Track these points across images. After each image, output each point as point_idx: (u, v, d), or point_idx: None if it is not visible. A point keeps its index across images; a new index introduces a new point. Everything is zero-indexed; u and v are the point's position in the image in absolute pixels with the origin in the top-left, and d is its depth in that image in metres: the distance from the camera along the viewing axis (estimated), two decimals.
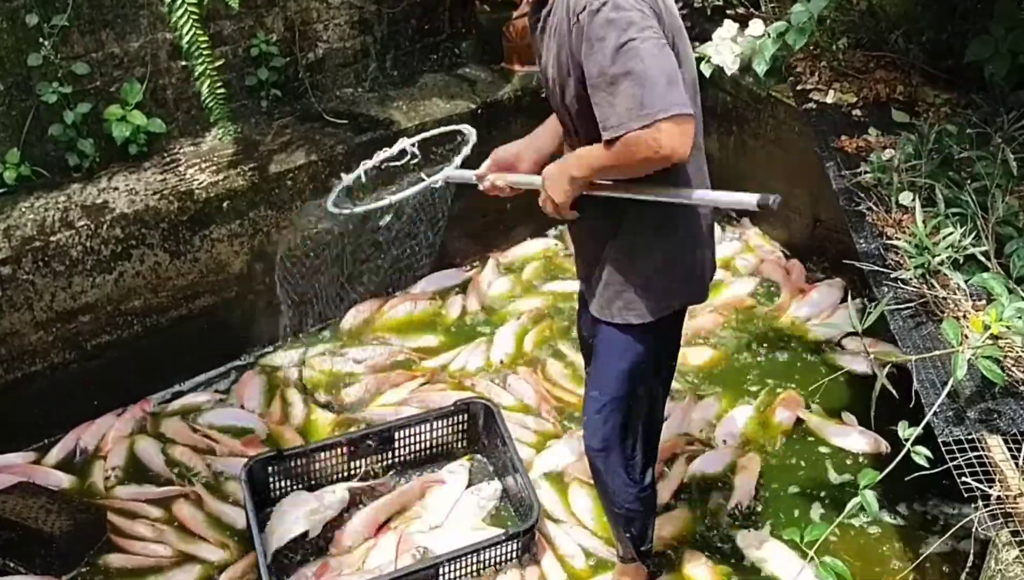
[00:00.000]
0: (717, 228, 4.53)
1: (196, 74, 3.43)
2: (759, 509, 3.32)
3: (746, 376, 3.85)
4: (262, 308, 3.93)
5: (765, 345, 3.99)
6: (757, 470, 3.43)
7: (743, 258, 4.42)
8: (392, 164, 3.04)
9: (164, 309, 3.68)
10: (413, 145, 2.99)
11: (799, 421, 3.61)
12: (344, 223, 3.23)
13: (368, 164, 3.03)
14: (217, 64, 3.45)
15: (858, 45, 3.87)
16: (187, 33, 3.34)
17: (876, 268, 2.87)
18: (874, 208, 3.06)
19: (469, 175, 2.76)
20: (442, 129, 3.02)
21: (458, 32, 4.49)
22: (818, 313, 4.07)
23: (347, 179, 3.06)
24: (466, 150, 2.84)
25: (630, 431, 2.69)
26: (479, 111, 4.19)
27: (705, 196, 2.34)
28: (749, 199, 2.28)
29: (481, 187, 2.72)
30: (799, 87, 3.82)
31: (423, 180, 2.81)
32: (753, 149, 4.44)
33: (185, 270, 3.66)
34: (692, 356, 3.93)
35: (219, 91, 3.48)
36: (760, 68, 2.95)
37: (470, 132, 2.89)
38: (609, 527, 3.01)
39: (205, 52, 3.39)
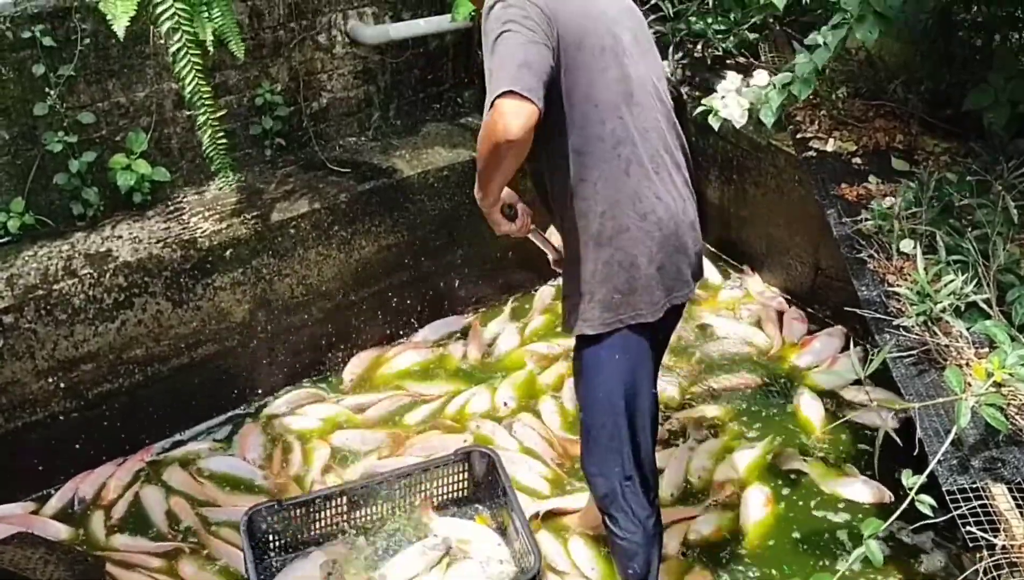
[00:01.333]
0: (717, 274, 4.55)
1: (198, 124, 3.44)
2: (760, 558, 3.29)
3: (748, 424, 3.83)
4: (263, 357, 3.93)
5: (767, 394, 3.97)
6: (760, 503, 3.45)
7: (745, 306, 4.42)
8: None
9: (166, 358, 3.67)
10: None
11: (800, 472, 3.59)
12: None
13: None
14: (219, 114, 3.47)
15: (857, 94, 3.91)
16: (190, 83, 3.35)
17: (878, 315, 2.87)
18: (875, 255, 3.08)
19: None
20: None
21: (460, 81, 4.53)
22: (819, 362, 4.06)
23: None
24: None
25: (618, 455, 2.72)
26: None
27: None
28: None
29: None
30: (799, 135, 3.85)
31: None
32: (754, 197, 4.46)
33: (187, 318, 3.66)
34: (693, 405, 3.92)
35: (220, 141, 3.49)
36: (768, 119, 2.98)
37: None
38: (614, 570, 2.98)
39: (207, 102, 3.41)
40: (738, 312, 4.38)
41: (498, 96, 2.22)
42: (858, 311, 2.88)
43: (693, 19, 4.55)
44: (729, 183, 4.56)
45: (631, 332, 2.59)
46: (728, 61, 4.50)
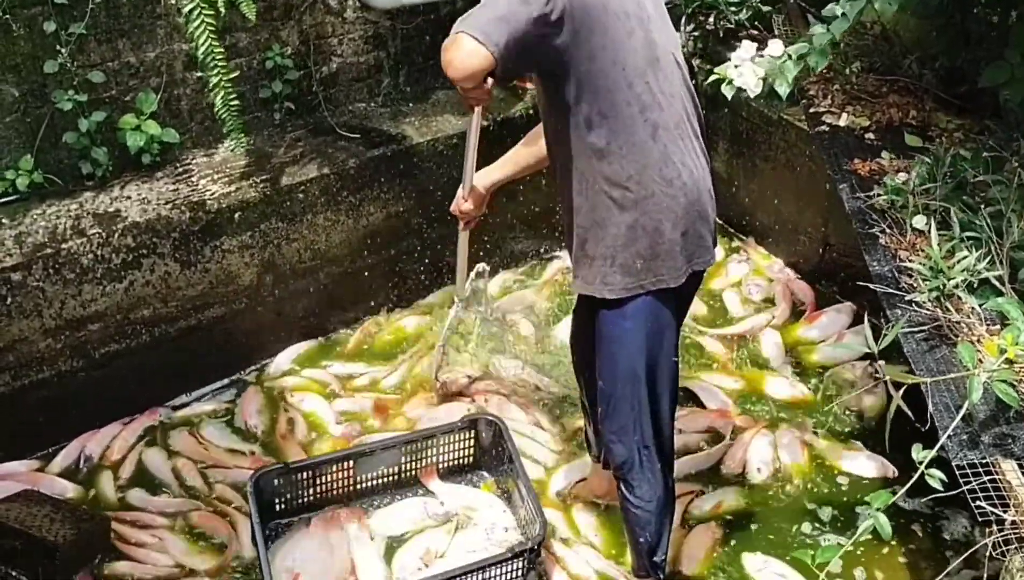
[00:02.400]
0: (720, 250, 4.52)
1: (210, 85, 3.44)
2: (767, 531, 3.31)
3: (754, 400, 3.83)
4: (270, 321, 3.92)
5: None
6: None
7: (754, 282, 4.40)
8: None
9: (173, 319, 3.67)
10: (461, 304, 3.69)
11: (807, 445, 3.60)
12: None
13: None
14: (231, 76, 3.47)
15: (871, 69, 3.87)
16: (203, 44, 3.36)
17: (890, 290, 2.86)
18: (888, 230, 3.06)
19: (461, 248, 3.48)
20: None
21: None
22: (826, 337, 4.05)
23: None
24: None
25: (638, 423, 2.72)
26: (491, 128, 4.19)
27: None
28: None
29: (462, 216, 3.28)
30: (812, 109, 3.82)
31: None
32: (763, 171, 4.44)
33: (195, 280, 3.66)
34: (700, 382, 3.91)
35: (232, 102, 3.49)
36: (783, 90, 2.95)
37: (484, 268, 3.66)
38: (618, 537, 2.98)
39: (220, 63, 3.41)
40: (747, 287, 4.36)
41: (462, 31, 2.26)
42: (870, 286, 2.86)
43: None
44: (739, 156, 4.55)
45: (653, 298, 2.58)
46: (741, 33, 4.46)
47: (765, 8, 4.43)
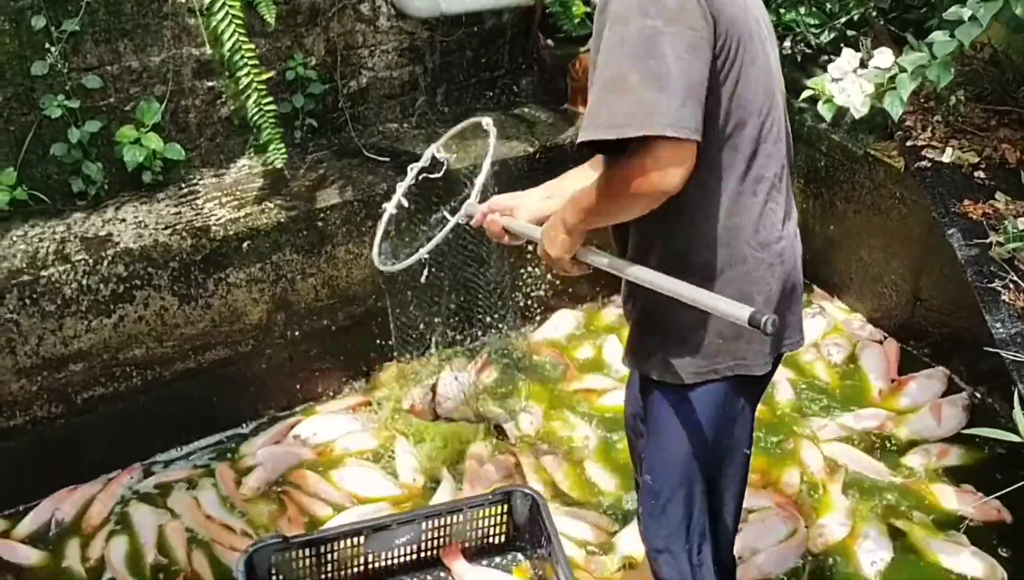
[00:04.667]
0: None
1: (241, 87, 3.08)
2: None
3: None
4: (280, 365, 3.45)
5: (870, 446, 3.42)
6: None
7: (834, 341, 3.84)
8: (428, 175, 2.87)
9: (169, 361, 3.22)
10: (438, 150, 2.83)
11: (899, 532, 3.06)
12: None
13: (404, 185, 2.84)
14: (265, 77, 3.05)
15: (979, 98, 3.39)
16: (230, 41, 3.00)
17: (1020, 358, 2.36)
18: (1012, 285, 2.56)
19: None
20: (463, 124, 2.77)
21: (518, 67, 4.05)
22: (917, 407, 3.50)
23: (389, 207, 2.80)
24: (489, 156, 2.62)
25: (693, 530, 2.21)
26: (537, 155, 3.74)
27: (698, 297, 1.85)
28: (740, 313, 1.77)
29: (474, 222, 2.45)
30: (909, 143, 3.34)
31: (447, 219, 2.62)
32: (844, 213, 3.93)
33: (195, 317, 3.20)
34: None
35: (268, 107, 3.14)
36: (895, 110, 2.45)
37: (489, 124, 2.67)
38: None
39: (251, 63, 3.06)
40: (825, 348, 3.80)
41: (656, 138, 1.72)
42: (1001, 353, 2.35)
43: (783, 10, 4.04)
44: (816, 197, 4.04)
45: (729, 386, 2.07)
46: (821, 59, 3.98)
47: (849, 32, 3.95)
